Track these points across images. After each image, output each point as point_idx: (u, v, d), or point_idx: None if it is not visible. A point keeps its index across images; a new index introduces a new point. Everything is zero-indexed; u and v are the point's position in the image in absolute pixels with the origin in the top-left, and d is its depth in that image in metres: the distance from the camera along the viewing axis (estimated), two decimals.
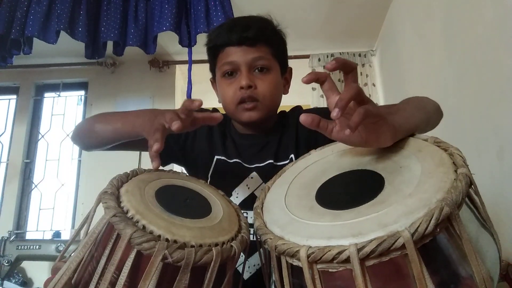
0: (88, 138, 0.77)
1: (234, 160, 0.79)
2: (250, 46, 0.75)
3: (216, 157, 0.80)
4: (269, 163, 0.77)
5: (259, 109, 0.76)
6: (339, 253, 0.35)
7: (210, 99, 0.98)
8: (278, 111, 0.86)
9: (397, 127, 0.48)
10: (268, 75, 0.77)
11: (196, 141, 0.83)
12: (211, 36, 0.81)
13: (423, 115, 0.59)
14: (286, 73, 0.85)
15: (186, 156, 0.83)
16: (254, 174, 0.77)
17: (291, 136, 0.81)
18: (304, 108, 0.91)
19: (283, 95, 0.84)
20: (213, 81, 0.85)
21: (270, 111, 0.79)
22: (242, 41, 0.75)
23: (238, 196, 0.75)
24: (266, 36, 0.77)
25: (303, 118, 0.45)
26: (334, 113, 0.41)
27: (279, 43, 0.81)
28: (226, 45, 0.76)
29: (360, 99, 0.44)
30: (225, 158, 0.80)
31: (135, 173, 0.53)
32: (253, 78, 0.75)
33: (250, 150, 0.81)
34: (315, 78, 0.47)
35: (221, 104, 0.82)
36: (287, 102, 0.93)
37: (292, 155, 0.77)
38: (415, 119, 0.56)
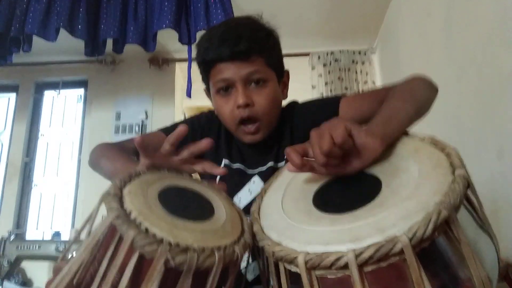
0: (98, 172, 0.75)
1: (237, 165, 0.79)
2: (243, 60, 0.70)
3: (223, 161, 0.80)
4: (270, 166, 0.77)
5: (261, 129, 0.74)
6: (337, 259, 0.35)
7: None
8: None
9: (382, 131, 0.48)
10: (265, 88, 0.73)
11: None
12: (200, 50, 0.75)
13: (411, 106, 0.56)
14: (283, 78, 0.81)
15: None
16: (255, 178, 0.76)
17: (287, 136, 0.79)
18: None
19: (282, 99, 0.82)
20: (207, 91, 0.81)
21: (272, 126, 0.77)
22: (235, 56, 0.70)
23: (240, 201, 0.75)
24: (259, 46, 0.72)
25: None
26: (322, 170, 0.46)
27: (273, 49, 0.77)
28: (217, 61, 0.71)
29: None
30: (229, 163, 0.80)
31: (138, 174, 0.52)
32: (250, 93, 0.72)
33: (253, 156, 0.80)
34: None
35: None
36: (287, 101, 0.93)
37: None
38: (402, 113, 0.54)
